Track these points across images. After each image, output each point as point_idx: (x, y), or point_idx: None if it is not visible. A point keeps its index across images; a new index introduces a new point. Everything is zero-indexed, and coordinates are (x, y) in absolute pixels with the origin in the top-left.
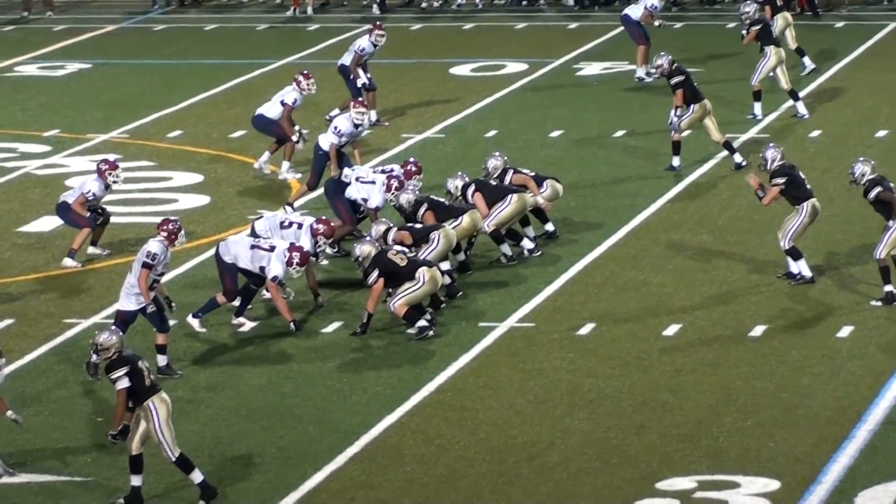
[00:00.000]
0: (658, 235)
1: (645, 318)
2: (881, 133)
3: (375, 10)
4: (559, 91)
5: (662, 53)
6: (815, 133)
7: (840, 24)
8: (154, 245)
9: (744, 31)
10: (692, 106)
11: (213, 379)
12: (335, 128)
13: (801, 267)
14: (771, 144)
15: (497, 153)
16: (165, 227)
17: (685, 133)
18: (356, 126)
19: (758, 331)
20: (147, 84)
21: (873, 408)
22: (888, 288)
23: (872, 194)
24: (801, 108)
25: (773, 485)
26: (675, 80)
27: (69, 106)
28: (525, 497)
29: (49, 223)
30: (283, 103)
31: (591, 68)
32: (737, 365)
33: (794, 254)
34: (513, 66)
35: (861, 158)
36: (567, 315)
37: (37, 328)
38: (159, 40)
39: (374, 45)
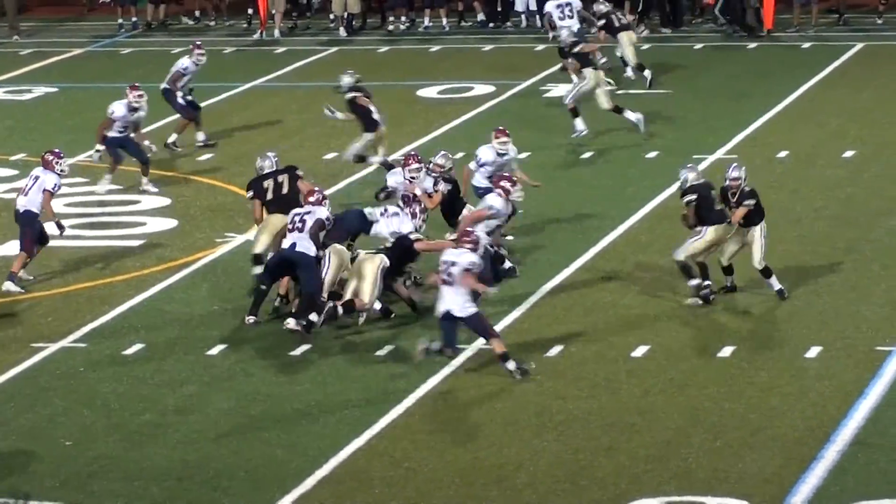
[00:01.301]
0: (626, 257)
1: (613, 339)
2: (848, 153)
3: (342, 32)
4: (527, 113)
5: (350, 71)
6: (783, 153)
7: (807, 45)
8: (469, 257)
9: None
10: (368, 134)
11: (181, 402)
12: (477, 157)
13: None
14: (689, 164)
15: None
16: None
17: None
18: (500, 155)
19: (726, 352)
20: None
21: (842, 428)
22: (694, 282)
23: (686, 199)
24: (631, 115)
25: None
26: (349, 96)
27: (36, 130)
28: None
29: (15, 248)
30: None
31: (559, 90)
32: (705, 386)
33: (688, 271)
34: (480, 89)
35: (689, 165)
36: (535, 337)
37: (4, 352)
38: (126, 64)
39: (196, 65)
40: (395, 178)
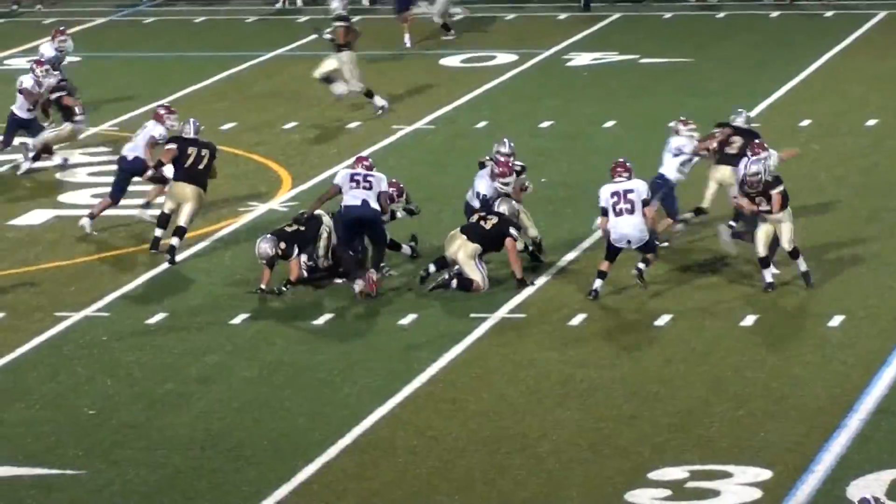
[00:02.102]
0: None
1: (636, 308)
2: (871, 122)
3: (365, 1)
4: (549, 82)
5: (52, 72)
6: (806, 122)
7: (830, 14)
8: (643, 184)
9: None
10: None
11: (204, 371)
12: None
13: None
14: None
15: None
16: None
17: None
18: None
19: (749, 321)
20: (136, 77)
21: (864, 397)
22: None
23: None
24: (378, 101)
25: (765, 474)
26: (55, 95)
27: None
28: (517, 488)
29: (39, 216)
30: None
31: (581, 59)
32: (728, 355)
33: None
34: (503, 57)
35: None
36: (558, 305)
37: (27, 321)
38: (148, 33)
39: (59, 51)
40: (485, 185)
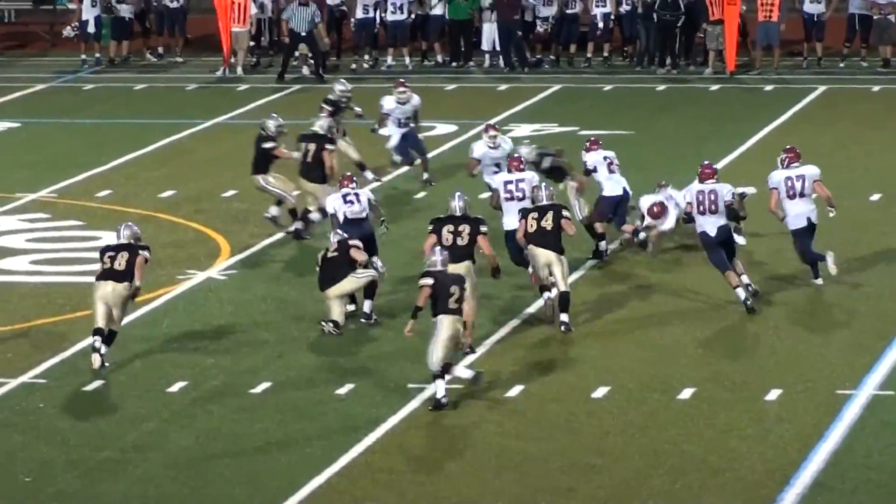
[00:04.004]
0: (586, 296)
1: (573, 380)
2: None
3: (306, 71)
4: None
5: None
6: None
7: (769, 88)
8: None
9: None
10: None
11: (141, 439)
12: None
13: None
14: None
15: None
16: None
17: None
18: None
19: (686, 393)
20: (76, 143)
21: (801, 471)
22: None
23: None
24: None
25: None
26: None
27: None
28: None
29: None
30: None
31: (521, 130)
32: (665, 427)
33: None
34: (443, 128)
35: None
36: (495, 377)
37: None
38: (89, 99)
39: (399, 103)
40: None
